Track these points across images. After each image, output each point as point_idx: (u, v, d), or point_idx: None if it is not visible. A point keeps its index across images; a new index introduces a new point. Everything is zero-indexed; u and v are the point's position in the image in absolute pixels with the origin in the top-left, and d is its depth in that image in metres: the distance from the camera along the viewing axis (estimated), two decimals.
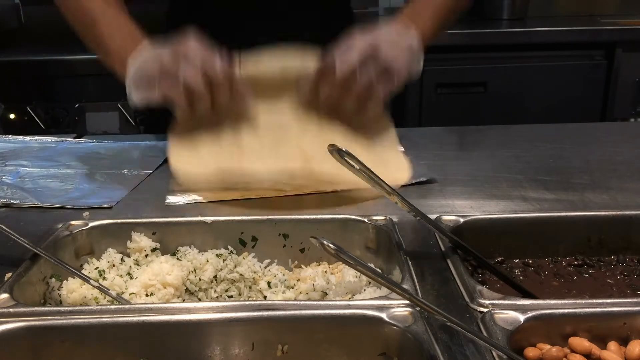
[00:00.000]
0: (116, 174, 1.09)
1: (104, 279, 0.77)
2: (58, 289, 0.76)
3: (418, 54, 1.08)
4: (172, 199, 0.95)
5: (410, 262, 0.74)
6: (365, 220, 0.84)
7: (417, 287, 0.70)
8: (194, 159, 0.98)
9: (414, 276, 0.71)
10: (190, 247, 0.83)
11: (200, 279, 0.78)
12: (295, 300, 0.75)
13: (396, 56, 1.03)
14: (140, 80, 0.98)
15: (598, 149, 1.20)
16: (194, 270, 0.79)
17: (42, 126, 2.25)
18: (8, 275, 0.72)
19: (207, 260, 0.79)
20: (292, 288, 0.78)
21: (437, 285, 0.71)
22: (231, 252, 0.83)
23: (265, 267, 0.82)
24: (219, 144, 1.00)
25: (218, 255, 0.81)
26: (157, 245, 0.83)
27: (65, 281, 0.76)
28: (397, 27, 1.09)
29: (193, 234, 0.84)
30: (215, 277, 0.79)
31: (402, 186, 0.98)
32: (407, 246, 0.78)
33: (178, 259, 0.80)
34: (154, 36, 1.06)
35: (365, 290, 0.74)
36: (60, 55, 2.25)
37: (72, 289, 0.75)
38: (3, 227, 0.77)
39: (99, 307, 0.68)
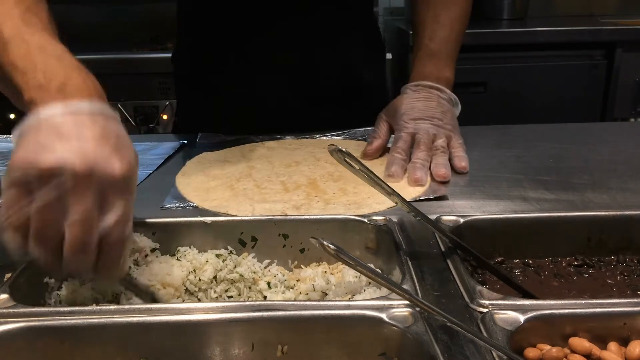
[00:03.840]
0: None
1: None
2: (58, 289, 0.76)
3: (455, 102, 1.19)
4: (168, 205, 0.95)
5: (410, 263, 0.74)
6: (365, 220, 0.84)
7: (417, 287, 0.70)
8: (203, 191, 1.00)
9: (414, 276, 0.71)
10: (190, 248, 0.83)
11: (200, 279, 0.78)
12: (295, 300, 0.75)
13: (451, 129, 1.13)
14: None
15: (598, 149, 1.20)
16: (194, 270, 0.79)
17: None
18: (8, 275, 0.72)
19: (207, 261, 0.79)
20: (292, 288, 0.78)
21: (437, 286, 0.71)
22: (231, 252, 0.83)
23: (265, 268, 0.82)
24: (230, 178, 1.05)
25: (218, 256, 0.81)
26: (157, 245, 0.83)
27: (65, 281, 0.76)
28: (431, 94, 1.16)
29: (193, 234, 0.83)
30: (215, 277, 0.79)
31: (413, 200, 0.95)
32: (407, 246, 0.78)
33: (178, 259, 0.80)
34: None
35: (365, 290, 0.74)
36: None
37: (72, 289, 0.75)
38: None
39: (98, 307, 0.68)
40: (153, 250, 0.82)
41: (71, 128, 0.63)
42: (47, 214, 0.61)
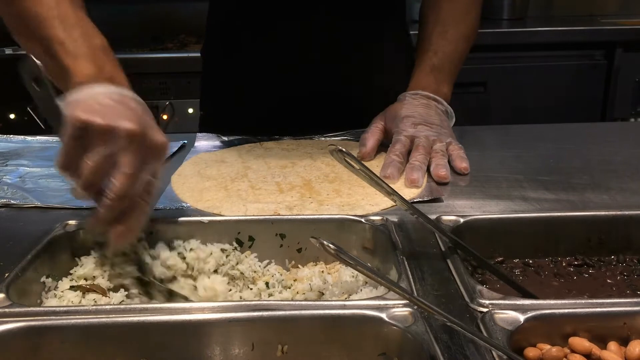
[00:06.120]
0: None
1: (103, 278, 0.77)
2: (54, 289, 0.75)
3: (451, 115, 1.19)
4: (161, 205, 0.94)
5: (406, 262, 0.74)
6: (362, 220, 0.83)
7: (413, 286, 0.69)
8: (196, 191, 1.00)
9: (410, 276, 0.71)
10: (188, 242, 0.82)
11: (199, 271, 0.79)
12: (293, 300, 0.75)
13: (450, 135, 1.13)
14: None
15: (598, 149, 1.20)
16: (197, 258, 0.79)
17: (42, 126, 2.24)
18: (6, 275, 0.72)
19: (211, 253, 0.80)
20: (289, 288, 0.78)
21: (437, 285, 0.71)
22: (235, 248, 0.83)
23: (264, 267, 0.82)
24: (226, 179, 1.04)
25: (222, 250, 0.81)
26: (142, 235, 0.82)
27: (60, 281, 0.76)
28: (429, 103, 1.17)
29: (190, 233, 0.83)
30: (215, 270, 0.79)
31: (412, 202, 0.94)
32: (406, 246, 0.78)
33: (179, 252, 0.80)
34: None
35: (361, 290, 0.74)
36: None
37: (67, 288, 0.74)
38: None
39: (98, 307, 0.68)
40: (139, 240, 0.81)
41: (124, 101, 0.77)
42: (100, 165, 0.72)
